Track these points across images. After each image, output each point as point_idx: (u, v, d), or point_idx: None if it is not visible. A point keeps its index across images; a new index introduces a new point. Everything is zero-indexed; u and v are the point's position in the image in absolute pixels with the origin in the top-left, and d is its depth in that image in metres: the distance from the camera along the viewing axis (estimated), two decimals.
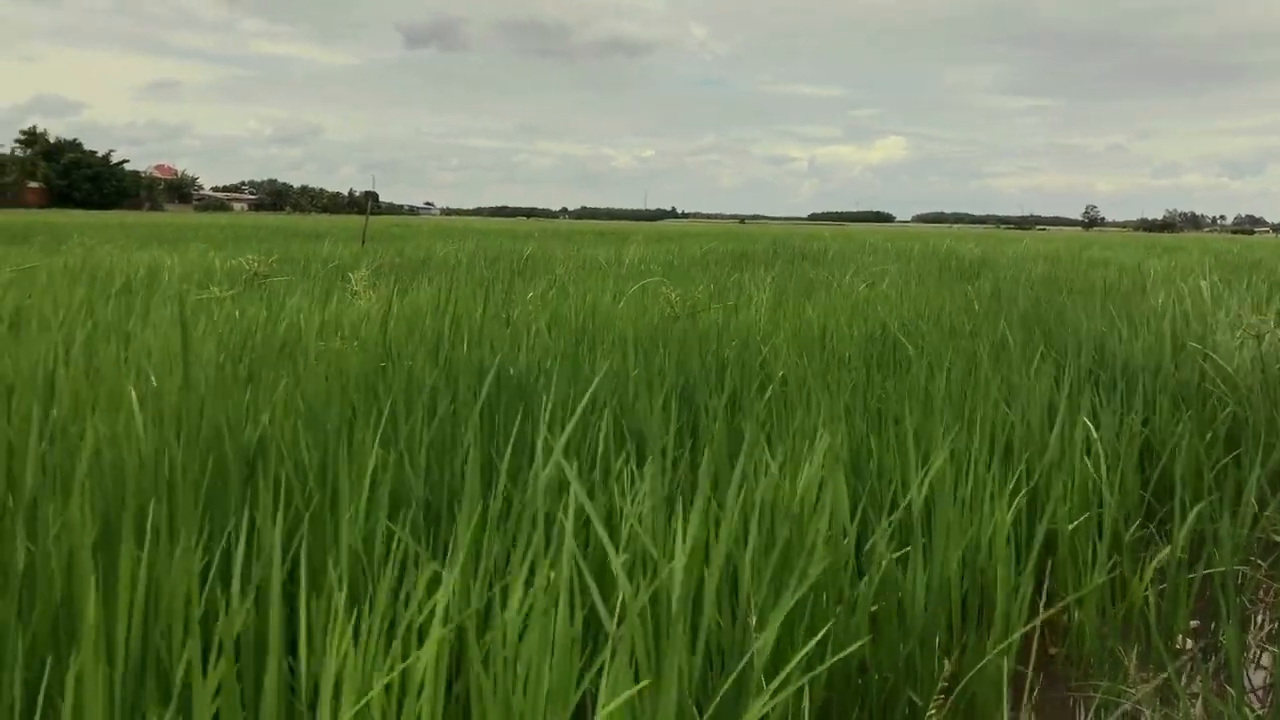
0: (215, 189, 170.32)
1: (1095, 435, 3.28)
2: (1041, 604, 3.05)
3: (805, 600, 2.15)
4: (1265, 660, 2.96)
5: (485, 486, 2.50)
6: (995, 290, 7.89)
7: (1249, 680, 2.82)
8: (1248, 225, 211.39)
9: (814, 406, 3.11)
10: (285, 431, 2.62)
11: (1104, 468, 3.08)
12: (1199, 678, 2.80)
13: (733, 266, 11.82)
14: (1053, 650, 2.94)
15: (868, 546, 2.41)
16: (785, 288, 7.84)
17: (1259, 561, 3.29)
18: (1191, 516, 3.01)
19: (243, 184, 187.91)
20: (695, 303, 5.84)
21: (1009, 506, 2.63)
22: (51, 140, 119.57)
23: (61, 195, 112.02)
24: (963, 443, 2.88)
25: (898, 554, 2.39)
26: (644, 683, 1.71)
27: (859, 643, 2.17)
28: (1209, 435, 3.78)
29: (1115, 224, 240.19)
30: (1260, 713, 2.62)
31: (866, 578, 2.27)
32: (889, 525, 2.40)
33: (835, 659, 2.06)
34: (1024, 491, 2.85)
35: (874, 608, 2.31)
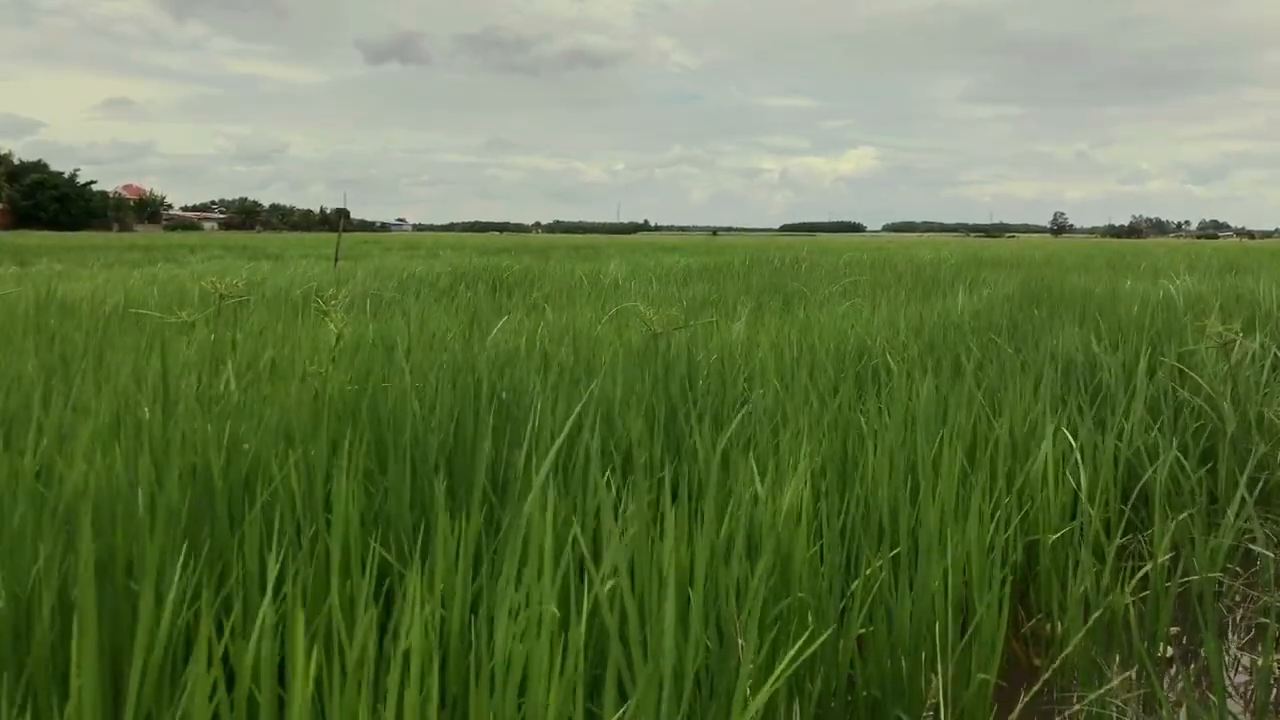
0: (185, 208, 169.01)
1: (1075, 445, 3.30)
2: (1023, 616, 3.07)
3: (792, 618, 2.14)
4: (1246, 664, 2.98)
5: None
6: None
7: (1231, 686, 2.83)
8: (1212, 230, 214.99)
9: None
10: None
11: (1084, 478, 3.10)
12: (1181, 685, 2.82)
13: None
14: (1037, 661, 2.94)
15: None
16: None
17: (1238, 569, 3.31)
18: (1169, 530, 3.02)
19: (212, 203, 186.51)
20: None
21: (990, 518, 2.63)
22: (15, 162, 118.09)
23: (26, 216, 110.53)
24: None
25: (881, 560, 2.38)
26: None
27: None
28: (1186, 445, 3.81)
29: (1083, 230, 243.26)
30: (1242, 719, 2.64)
31: (853, 593, 2.26)
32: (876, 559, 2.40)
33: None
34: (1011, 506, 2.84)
35: (862, 630, 2.30)
